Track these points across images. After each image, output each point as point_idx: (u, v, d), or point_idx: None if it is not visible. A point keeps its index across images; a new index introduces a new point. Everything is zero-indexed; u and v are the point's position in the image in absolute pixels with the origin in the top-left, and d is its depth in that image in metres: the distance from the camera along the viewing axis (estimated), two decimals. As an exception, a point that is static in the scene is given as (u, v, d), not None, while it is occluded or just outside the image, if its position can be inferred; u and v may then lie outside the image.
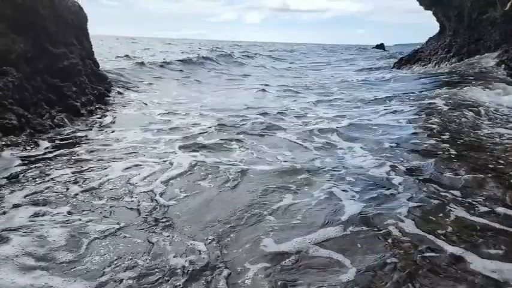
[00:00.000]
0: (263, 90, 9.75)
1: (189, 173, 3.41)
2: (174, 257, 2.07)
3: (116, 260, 2.05)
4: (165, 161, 3.70)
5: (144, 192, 2.95)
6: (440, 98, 7.30)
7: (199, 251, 2.13)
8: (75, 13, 7.16)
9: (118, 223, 2.44)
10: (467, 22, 12.99)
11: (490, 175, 3.26)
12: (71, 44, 6.83)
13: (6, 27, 5.27)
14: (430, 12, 15.30)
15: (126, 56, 16.66)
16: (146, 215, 2.56)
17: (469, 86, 8.33)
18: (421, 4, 15.31)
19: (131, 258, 2.05)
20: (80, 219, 2.49)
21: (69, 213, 2.58)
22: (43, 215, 2.55)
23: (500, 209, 2.64)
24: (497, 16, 11.53)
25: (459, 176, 3.27)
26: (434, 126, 5.13)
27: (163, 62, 14.37)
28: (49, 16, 6.18)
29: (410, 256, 2.07)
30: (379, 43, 49.07)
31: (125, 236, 2.29)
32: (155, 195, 2.89)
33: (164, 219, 2.50)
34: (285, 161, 3.80)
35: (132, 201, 2.79)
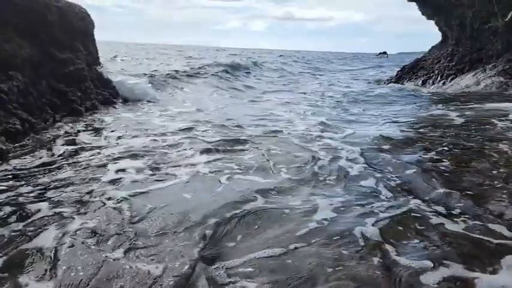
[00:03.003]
0: (263, 98, 9.87)
1: (173, 182, 3.38)
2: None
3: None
4: (157, 169, 3.70)
5: (123, 200, 2.93)
6: (451, 110, 7.19)
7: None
8: (82, 19, 7.30)
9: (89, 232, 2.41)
10: (469, 32, 13.04)
11: (490, 187, 3.20)
12: (77, 49, 6.96)
13: (12, 32, 5.39)
14: (432, 22, 15.38)
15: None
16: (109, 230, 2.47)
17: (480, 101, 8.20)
18: (423, 14, 15.39)
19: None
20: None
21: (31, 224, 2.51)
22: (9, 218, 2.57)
23: (488, 223, 2.56)
24: (499, 26, 11.58)
25: (455, 187, 3.21)
26: (441, 137, 5.07)
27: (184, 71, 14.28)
28: (56, 22, 6.32)
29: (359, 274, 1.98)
30: (382, 51, 49.31)
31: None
32: (128, 206, 2.84)
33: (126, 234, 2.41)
34: (277, 167, 3.81)
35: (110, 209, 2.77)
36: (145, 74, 11.07)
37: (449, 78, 12.93)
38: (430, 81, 13.83)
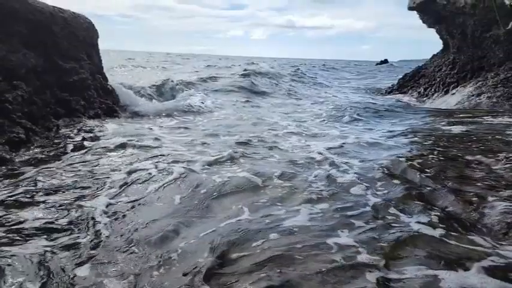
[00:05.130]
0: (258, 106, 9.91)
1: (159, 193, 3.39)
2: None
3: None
4: (152, 178, 3.71)
5: (117, 211, 2.94)
6: (450, 122, 7.03)
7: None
8: (86, 29, 7.39)
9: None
10: (470, 40, 13.09)
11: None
12: (82, 59, 7.03)
13: (18, 42, 5.47)
14: (433, 30, 15.46)
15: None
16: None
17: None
18: (424, 22, 15.47)
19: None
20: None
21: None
22: None
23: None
24: (501, 34, 11.62)
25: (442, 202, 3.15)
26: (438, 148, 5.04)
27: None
28: (61, 32, 6.41)
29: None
30: (383, 59, 49.26)
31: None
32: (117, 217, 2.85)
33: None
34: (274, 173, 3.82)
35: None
36: (153, 84, 11.19)
37: (451, 86, 12.95)
38: (432, 90, 13.84)
